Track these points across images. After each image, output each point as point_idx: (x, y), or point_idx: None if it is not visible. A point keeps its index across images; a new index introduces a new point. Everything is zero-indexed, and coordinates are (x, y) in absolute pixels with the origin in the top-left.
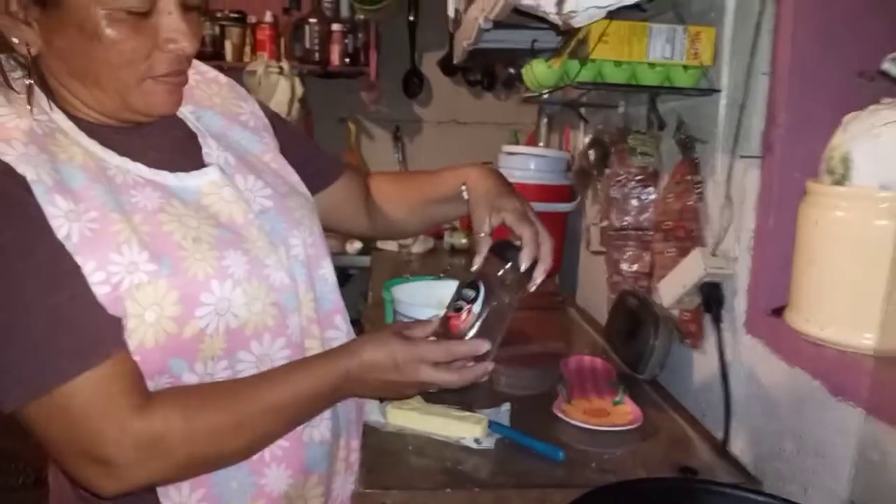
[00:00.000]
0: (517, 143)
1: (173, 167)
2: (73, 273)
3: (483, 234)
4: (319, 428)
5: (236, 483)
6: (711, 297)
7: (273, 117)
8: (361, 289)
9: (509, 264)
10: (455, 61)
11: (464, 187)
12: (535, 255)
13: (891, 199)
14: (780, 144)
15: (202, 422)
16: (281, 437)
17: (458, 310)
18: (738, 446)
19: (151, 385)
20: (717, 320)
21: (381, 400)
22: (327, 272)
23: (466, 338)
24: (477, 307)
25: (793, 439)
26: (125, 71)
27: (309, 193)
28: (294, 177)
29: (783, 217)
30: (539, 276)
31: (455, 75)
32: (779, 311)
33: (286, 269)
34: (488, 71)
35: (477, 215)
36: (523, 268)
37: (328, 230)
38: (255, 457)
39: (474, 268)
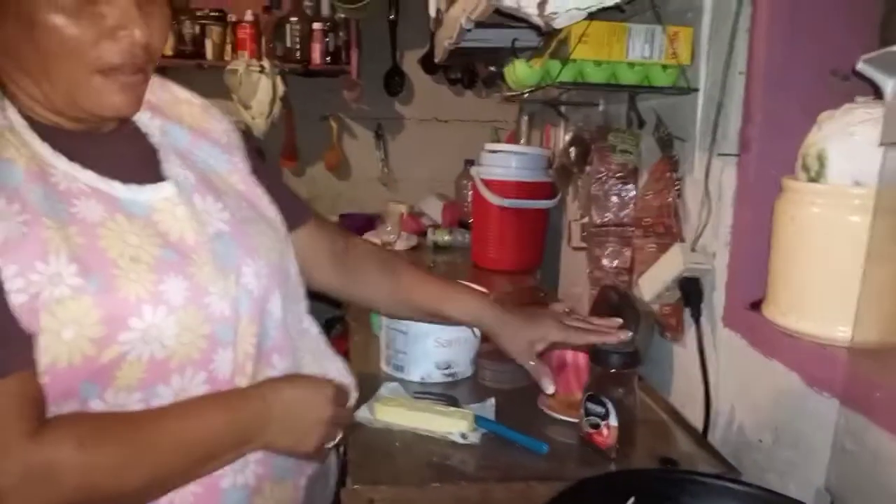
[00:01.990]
0: (498, 140)
1: (126, 178)
2: None
3: (533, 364)
4: (244, 473)
5: None
6: (691, 291)
7: (247, 143)
8: None
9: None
10: (436, 60)
11: (475, 330)
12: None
13: (864, 195)
14: (756, 142)
15: (98, 452)
16: (192, 478)
17: (596, 426)
18: (718, 437)
19: (55, 409)
20: (696, 314)
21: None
22: (274, 306)
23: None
24: (613, 419)
25: (770, 430)
26: (71, 61)
27: (276, 218)
28: (262, 200)
29: (760, 213)
30: (620, 335)
31: (436, 73)
32: (756, 305)
33: (231, 300)
34: (469, 69)
35: (515, 353)
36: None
37: None
38: (163, 501)
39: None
